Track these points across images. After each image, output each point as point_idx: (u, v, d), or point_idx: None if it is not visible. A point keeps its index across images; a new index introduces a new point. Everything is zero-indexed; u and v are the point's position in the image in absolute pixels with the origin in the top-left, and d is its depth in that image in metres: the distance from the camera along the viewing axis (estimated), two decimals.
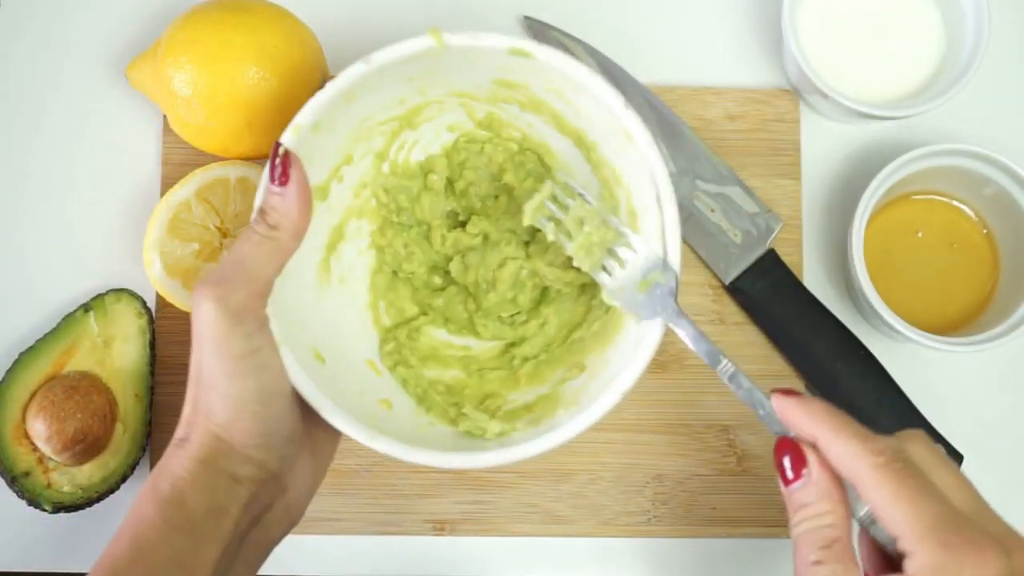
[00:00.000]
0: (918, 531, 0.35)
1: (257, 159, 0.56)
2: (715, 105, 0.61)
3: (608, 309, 0.51)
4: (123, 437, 0.55)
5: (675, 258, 0.45)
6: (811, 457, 0.39)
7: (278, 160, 0.44)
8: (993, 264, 0.58)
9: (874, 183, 0.55)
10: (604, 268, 0.48)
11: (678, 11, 0.62)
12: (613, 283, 0.48)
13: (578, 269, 0.52)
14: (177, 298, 0.55)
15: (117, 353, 0.56)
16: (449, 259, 0.54)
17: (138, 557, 0.39)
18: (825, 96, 0.56)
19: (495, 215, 0.54)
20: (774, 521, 0.58)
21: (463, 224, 0.54)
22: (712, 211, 0.58)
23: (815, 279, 0.60)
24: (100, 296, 0.57)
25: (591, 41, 0.60)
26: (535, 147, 0.53)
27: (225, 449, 0.42)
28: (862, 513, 0.39)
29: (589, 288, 0.53)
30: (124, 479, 0.55)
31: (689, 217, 0.58)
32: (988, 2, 0.56)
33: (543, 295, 0.54)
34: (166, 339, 0.58)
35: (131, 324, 0.57)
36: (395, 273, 0.54)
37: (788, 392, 0.40)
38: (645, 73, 0.60)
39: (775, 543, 0.58)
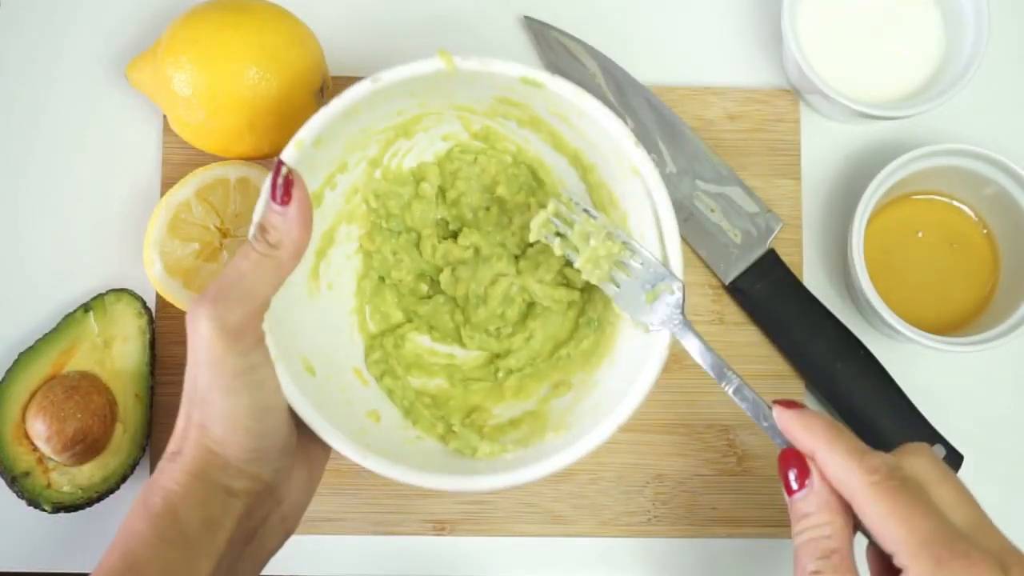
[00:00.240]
0: (912, 547, 0.35)
1: (257, 159, 0.56)
2: (715, 105, 0.61)
3: (597, 329, 0.52)
4: (123, 437, 0.55)
5: (677, 271, 0.46)
6: (814, 468, 0.39)
7: (280, 180, 0.44)
8: (993, 264, 0.58)
9: (874, 183, 0.55)
10: (612, 280, 0.48)
11: (678, 11, 0.62)
12: (621, 294, 0.48)
13: (567, 287, 0.53)
14: (177, 298, 0.55)
15: (117, 353, 0.56)
16: (438, 269, 0.54)
17: (130, 571, 0.39)
18: (825, 96, 0.56)
19: (486, 227, 0.54)
20: (774, 521, 0.58)
21: (454, 235, 0.54)
22: (712, 211, 0.58)
23: (815, 279, 0.60)
24: (100, 296, 0.57)
25: (591, 41, 0.60)
26: (529, 161, 0.53)
27: (219, 463, 0.41)
28: None
29: (576, 305, 0.54)
30: (124, 479, 0.55)
31: (689, 217, 0.58)
32: (988, 2, 0.56)
33: (530, 309, 0.54)
34: (166, 339, 0.58)
35: (131, 324, 0.57)
36: (382, 279, 0.54)
37: (789, 404, 0.40)
38: (645, 73, 0.60)
39: (775, 543, 0.58)
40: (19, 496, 0.53)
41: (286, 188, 0.43)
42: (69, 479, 0.54)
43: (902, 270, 0.58)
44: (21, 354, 0.55)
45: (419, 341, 0.55)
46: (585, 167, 0.51)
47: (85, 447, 0.53)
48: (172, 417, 0.44)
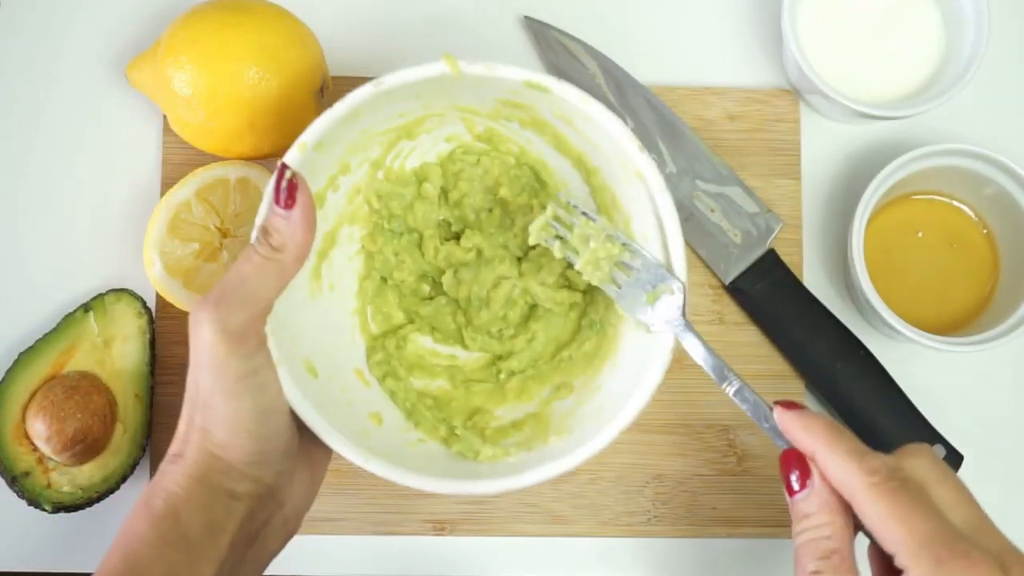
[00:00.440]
0: (912, 547, 0.35)
1: (257, 159, 0.56)
2: (715, 105, 0.61)
3: (599, 331, 0.52)
4: (123, 437, 0.55)
5: (681, 275, 0.46)
6: (815, 469, 0.39)
7: (284, 183, 0.43)
8: (993, 264, 0.58)
9: (874, 183, 0.55)
10: (613, 281, 0.48)
11: (678, 11, 0.62)
12: (623, 295, 0.48)
13: (569, 289, 0.53)
14: (177, 298, 0.55)
15: (117, 353, 0.56)
16: (441, 271, 0.54)
17: (132, 573, 0.39)
18: (825, 96, 0.56)
19: (488, 228, 0.54)
20: (774, 521, 0.58)
21: (456, 236, 0.54)
22: (712, 211, 0.58)
23: (815, 279, 0.60)
24: (100, 296, 0.57)
25: (591, 41, 0.60)
26: (532, 162, 0.53)
27: (221, 467, 0.41)
28: None
29: (578, 307, 0.54)
30: (124, 479, 0.55)
31: (689, 217, 0.58)
32: (988, 2, 0.56)
33: (532, 311, 0.54)
34: (166, 339, 0.58)
35: (131, 324, 0.57)
36: (384, 280, 0.54)
37: (789, 405, 0.41)
38: (645, 73, 0.60)
39: (775, 543, 0.58)
40: (19, 496, 0.53)
41: (290, 191, 0.43)
42: (69, 479, 0.54)
43: (902, 270, 0.58)
44: (21, 354, 0.55)
45: (421, 342, 0.55)
46: (589, 170, 0.51)
47: (85, 447, 0.53)
48: (172, 417, 0.44)
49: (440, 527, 0.58)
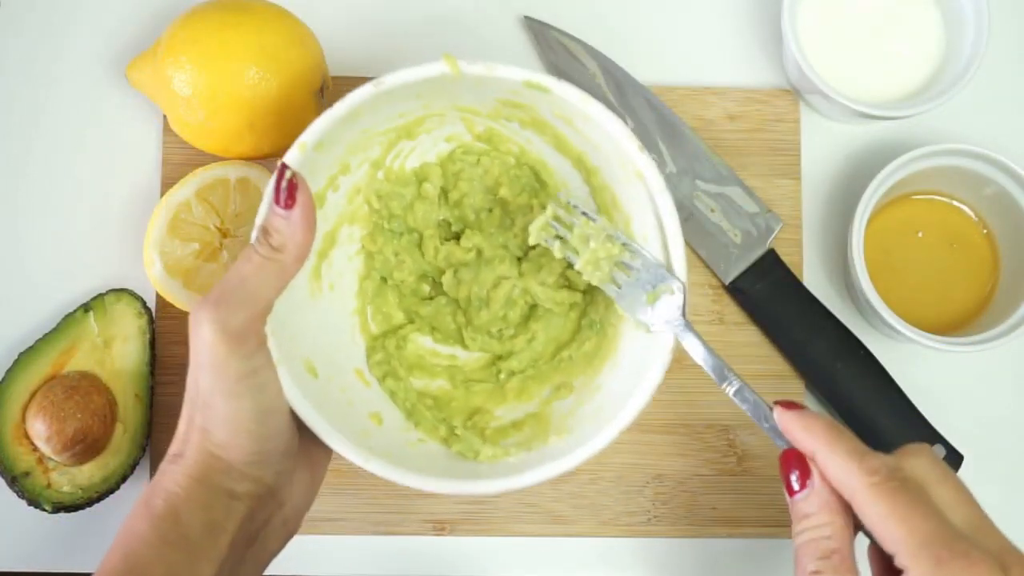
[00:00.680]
0: (912, 547, 0.35)
1: (257, 159, 0.56)
2: (715, 105, 0.61)
3: (599, 331, 0.52)
4: (123, 437, 0.55)
5: (681, 275, 0.46)
6: (815, 469, 0.39)
7: (284, 183, 0.43)
8: (993, 264, 0.58)
9: (874, 183, 0.55)
10: (613, 280, 0.48)
11: (678, 11, 0.62)
12: (623, 294, 0.48)
13: (569, 289, 0.53)
14: (177, 298, 0.55)
15: (117, 353, 0.56)
16: (441, 271, 0.54)
17: (132, 573, 0.39)
18: (825, 96, 0.56)
19: (488, 228, 0.54)
20: (774, 521, 0.58)
21: (456, 236, 0.54)
22: (712, 211, 0.58)
23: (815, 279, 0.60)
24: (100, 296, 0.57)
25: (591, 41, 0.60)
26: (532, 162, 0.53)
27: (221, 467, 0.41)
28: None
29: (578, 307, 0.54)
30: (124, 479, 0.55)
31: (689, 217, 0.58)
32: (988, 2, 0.56)
33: (532, 311, 0.54)
34: (166, 339, 0.58)
35: (131, 324, 0.57)
36: (384, 280, 0.54)
37: (789, 405, 0.41)
38: (645, 73, 0.60)
39: (775, 543, 0.58)
40: (19, 496, 0.53)
41: (290, 192, 0.43)
42: (69, 479, 0.54)
43: (902, 270, 0.58)
44: (21, 354, 0.55)
45: (421, 342, 0.55)
46: (589, 170, 0.51)
47: (85, 447, 0.53)
48: (172, 417, 0.44)
49: (440, 527, 0.58)
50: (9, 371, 0.55)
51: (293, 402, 0.44)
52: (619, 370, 0.49)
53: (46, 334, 0.56)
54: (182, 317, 0.55)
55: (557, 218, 0.50)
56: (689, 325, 0.46)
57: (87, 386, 0.54)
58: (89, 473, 0.54)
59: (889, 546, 0.36)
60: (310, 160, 0.45)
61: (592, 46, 0.60)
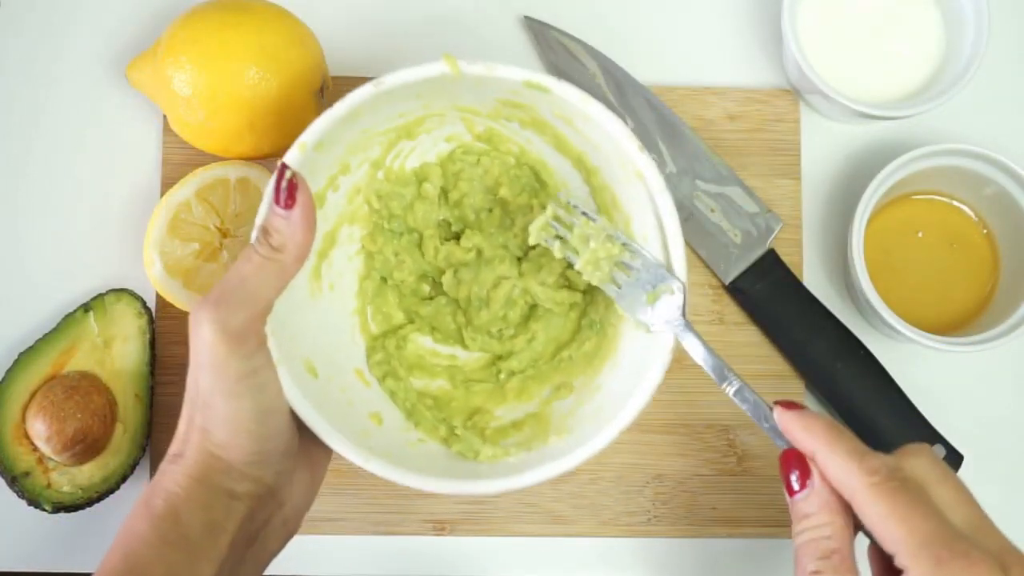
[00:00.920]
0: (912, 547, 0.35)
1: (257, 159, 0.56)
2: (715, 105, 0.61)
3: (599, 331, 0.52)
4: (123, 437, 0.55)
5: (681, 275, 0.46)
6: (815, 469, 0.39)
7: (284, 183, 0.43)
8: (993, 264, 0.58)
9: (874, 183, 0.55)
10: (613, 280, 0.48)
11: (678, 11, 0.62)
12: (623, 294, 0.48)
13: (569, 289, 0.53)
14: (177, 298, 0.55)
15: (117, 353, 0.56)
16: (441, 271, 0.54)
17: (132, 573, 0.39)
18: (825, 96, 0.56)
19: (488, 228, 0.54)
20: (774, 521, 0.58)
21: (456, 236, 0.54)
22: (712, 211, 0.58)
23: (815, 279, 0.60)
24: (100, 296, 0.57)
25: (591, 41, 0.60)
26: (532, 162, 0.53)
27: (221, 467, 0.41)
28: None
29: (578, 307, 0.54)
30: (124, 479, 0.55)
31: (689, 217, 0.58)
32: (988, 2, 0.56)
33: (532, 311, 0.54)
34: (166, 339, 0.58)
35: (131, 324, 0.57)
36: (384, 280, 0.54)
37: (789, 405, 0.41)
38: (645, 73, 0.60)
39: (775, 543, 0.58)
40: (19, 496, 0.53)
41: (290, 192, 0.43)
42: (69, 479, 0.54)
43: (902, 270, 0.58)
44: (21, 354, 0.55)
45: (421, 342, 0.55)
46: (589, 170, 0.51)
47: (85, 447, 0.53)
48: (172, 417, 0.44)
49: (440, 527, 0.58)
50: (9, 371, 0.55)
51: (293, 402, 0.44)
52: (619, 370, 0.49)
53: (46, 334, 0.56)
54: (182, 317, 0.55)
55: (557, 218, 0.50)
56: (689, 325, 0.46)
57: (87, 386, 0.54)
58: (89, 473, 0.54)
59: (889, 546, 0.36)
60: (310, 160, 0.45)
61: (592, 46, 0.60)
